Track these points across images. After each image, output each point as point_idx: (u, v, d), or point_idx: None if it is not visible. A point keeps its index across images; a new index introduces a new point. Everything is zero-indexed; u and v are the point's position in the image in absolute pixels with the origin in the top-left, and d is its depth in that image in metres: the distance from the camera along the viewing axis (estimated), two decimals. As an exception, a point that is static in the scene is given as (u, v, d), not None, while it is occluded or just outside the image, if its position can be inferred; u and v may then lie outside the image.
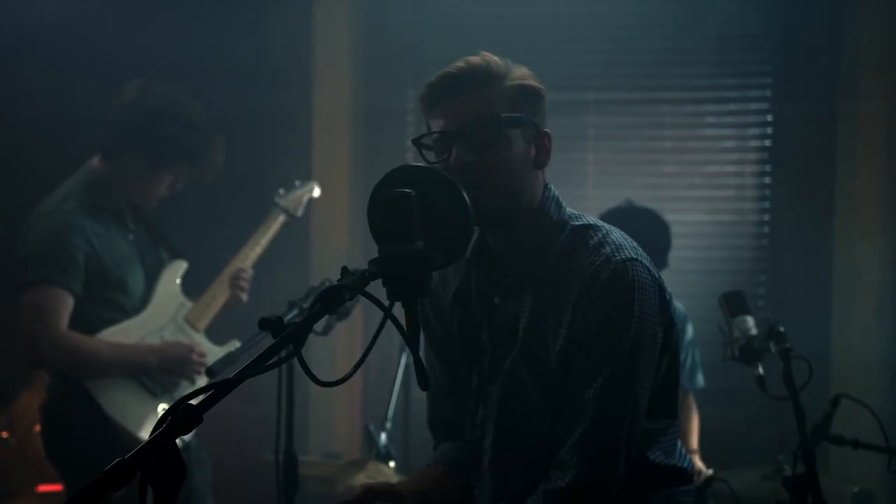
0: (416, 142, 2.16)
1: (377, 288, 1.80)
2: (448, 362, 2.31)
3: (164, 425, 1.47)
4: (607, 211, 4.05)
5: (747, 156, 4.85)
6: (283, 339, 1.61)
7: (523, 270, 2.13)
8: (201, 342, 3.68)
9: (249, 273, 3.83)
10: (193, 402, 1.49)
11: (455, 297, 2.24)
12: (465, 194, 1.86)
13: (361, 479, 3.29)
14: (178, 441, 3.48)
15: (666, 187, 4.87)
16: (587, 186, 4.91)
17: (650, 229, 3.90)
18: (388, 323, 1.74)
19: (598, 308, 2.03)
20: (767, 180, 4.78)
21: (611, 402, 2.02)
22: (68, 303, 3.39)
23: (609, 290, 2.03)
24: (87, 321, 3.45)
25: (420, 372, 1.86)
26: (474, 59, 2.13)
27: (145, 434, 3.31)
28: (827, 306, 4.61)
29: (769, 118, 4.79)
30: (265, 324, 1.65)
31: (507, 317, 2.15)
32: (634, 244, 2.14)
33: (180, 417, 1.48)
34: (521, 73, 2.15)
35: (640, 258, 2.09)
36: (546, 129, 2.17)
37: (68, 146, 4.02)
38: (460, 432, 2.32)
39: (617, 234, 2.14)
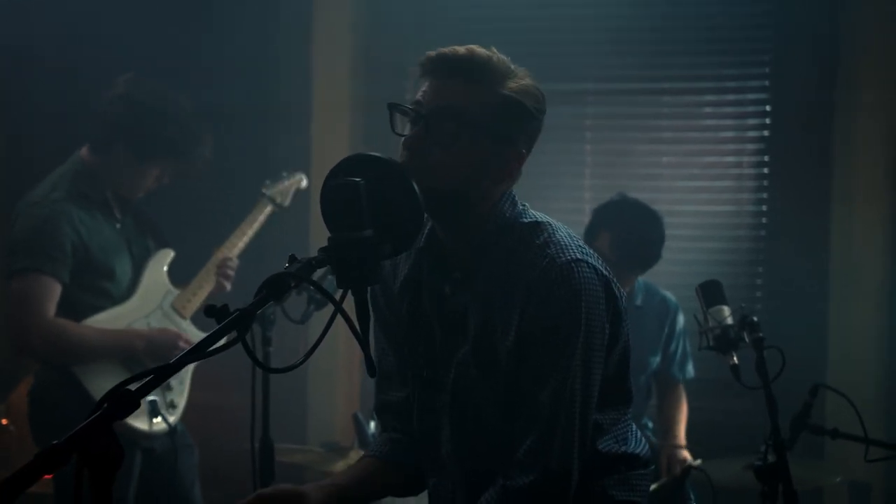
0: (393, 106, 2.13)
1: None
2: (398, 347, 2.30)
3: (101, 409, 1.50)
4: (600, 205, 4.05)
5: (746, 146, 4.83)
6: (225, 326, 1.64)
7: (470, 265, 2.12)
8: (188, 329, 3.72)
9: (235, 262, 3.87)
10: (131, 386, 1.53)
11: (405, 284, 2.23)
12: (415, 185, 1.87)
13: (340, 466, 3.32)
14: (165, 425, 3.54)
15: (664, 178, 4.86)
16: (584, 177, 4.92)
17: (642, 222, 3.90)
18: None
19: (546, 312, 2.01)
20: (766, 171, 4.76)
21: (566, 405, 2.02)
22: (56, 291, 3.44)
23: (555, 293, 2.01)
24: (75, 308, 3.49)
25: (368, 361, 1.88)
26: (480, 51, 2.07)
27: (132, 419, 3.35)
28: (824, 297, 4.60)
29: (768, 108, 4.77)
30: (211, 311, 1.67)
31: (456, 310, 2.14)
32: (580, 242, 2.11)
33: (117, 401, 1.51)
34: (519, 86, 2.07)
35: (585, 258, 2.06)
36: (522, 150, 2.10)
37: (64, 138, 4.06)
38: (409, 419, 2.31)
39: (562, 234, 2.11)
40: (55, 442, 1.44)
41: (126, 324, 3.57)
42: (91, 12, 4.68)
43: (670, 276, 4.43)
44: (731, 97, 4.89)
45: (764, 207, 4.77)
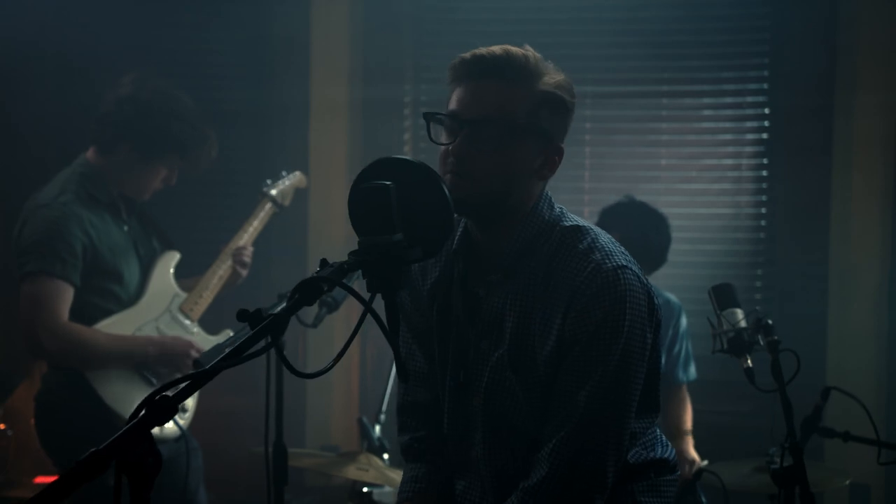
0: (430, 116, 2.12)
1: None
2: (428, 348, 2.30)
3: (139, 415, 1.48)
4: (607, 207, 4.05)
5: (744, 149, 4.85)
6: (260, 331, 1.62)
7: (509, 266, 2.11)
8: (196, 331, 3.70)
9: (250, 250, 3.89)
10: (169, 392, 1.51)
11: (435, 286, 2.23)
12: (445, 188, 1.85)
13: (352, 470, 3.30)
14: (175, 428, 3.50)
15: (663, 180, 4.87)
16: (584, 180, 4.91)
17: (650, 225, 3.90)
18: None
19: (590, 316, 2.01)
20: (764, 173, 4.77)
21: (599, 407, 2.02)
22: (68, 294, 3.41)
23: (600, 298, 2.01)
24: (84, 311, 3.46)
25: (399, 364, 1.87)
26: (515, 50, 2.07)
27: (142, 422, 3.32)
28: (823, 299, 4.61)
29: (766, 111, 4.78)
30: (243, 315, 1.65)
31: (491, 311, 2.13)
32: (622, 249, 2.12)
33: (156, 408, 1.49)
34: (555, 81, 2.09)
35: (629, 265, 2.07)
36: (561, 145, 2.12)
37: (68, 139, 4.03)
38: (434, 420, 2.31)
39: (605, 239, 2.12)
40: (94, 449, 1.42)
41: (135, 327, 3.54)
42: (91, 13, 4.65)
43: (670, 279, 4.43)
44: (729, 99, 4.89)
45: (763, 209, 4.78)
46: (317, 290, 1.70)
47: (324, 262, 1.77)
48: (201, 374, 1.55)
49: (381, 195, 1.78)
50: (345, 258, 1.77)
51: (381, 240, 1.77)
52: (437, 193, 1.85)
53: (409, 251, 1.80)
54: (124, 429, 1.45)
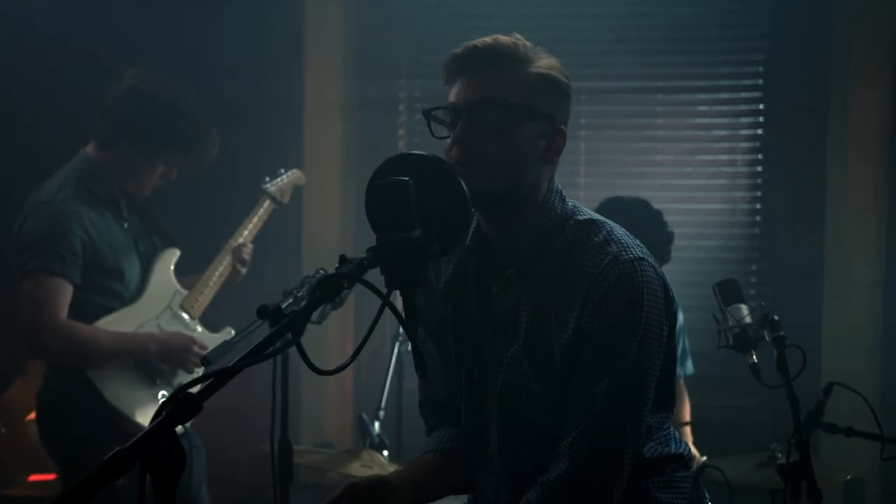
0: (428, 113, 2.13)
1: (374, 275, 1.80)
2: (443, 347, 2.29)
3: (163, 414, 1.47)
4: (603, 204, 4.03)
5: (739, 144, 4.86)
6: (281, 328, 1.61)
7: (523, 261, 2.11)
8: (197, 329, 3.68)
9: (250, 248, 3.88)
10: (193, 390, 1.50)
11: (448, 285, 2.23)
12: (463, 184, 1.85)
13: (356, 467, 3.29)
14: (178, 428, 3.49)
15: (658, 176, 4.87)
16: (579, 175, 4.92)
17: (650, 223, 3.88)
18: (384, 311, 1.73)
19: (608, 308, 2.01)
20: (759, 169, 4.79)
21: (617, 400, 2.02)
22: (67, 292, 3.38)
23: (619, 290, 2.01)
24: (84, 309, 3.43)
25: (418, 360, 1.86)
26: (503, 38, 2.09)
27: (145, 420, 3.31)
28: (818, 295, 4.62)
29: (761, 107, 4.80)
30: (264, 312, 1.64)
31: (506, 307, 2.13)
32: (637, 242, 2.13)
33: (180, 406, 1.48)
34: (548, 63, 2.10)
35: (646, 257, 2.08)
36: (562, 127, 2.12)
37: (65, 135, 4.00)
38: (453, 417, 2.31)
39: (620, 232, 2.12)
40: (119, 448, 1.41)
41: (136, 324, 3.52)
42: (89, 10, 4.63)
43: (665, 274, 4.42)
44: (724, 95, 4.91)
45: (758, 205, 4.80)
46: (338, 287, 1.69)
47: (343, 259, 1.77)
48: (224, 372, 1.54)
49: (400, 192, 1.78)
50: (342, 256, 1.77)
51: (399, 237, 1.76)
52: (454, 188, 1.85)
53: (428, 248, 1.79)
54: (149, 427, 1.44)
